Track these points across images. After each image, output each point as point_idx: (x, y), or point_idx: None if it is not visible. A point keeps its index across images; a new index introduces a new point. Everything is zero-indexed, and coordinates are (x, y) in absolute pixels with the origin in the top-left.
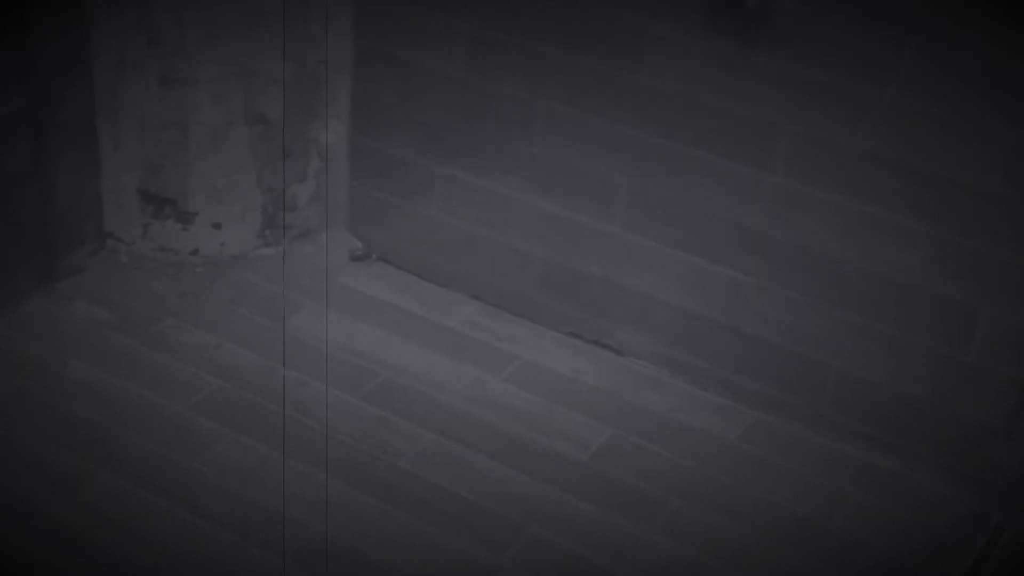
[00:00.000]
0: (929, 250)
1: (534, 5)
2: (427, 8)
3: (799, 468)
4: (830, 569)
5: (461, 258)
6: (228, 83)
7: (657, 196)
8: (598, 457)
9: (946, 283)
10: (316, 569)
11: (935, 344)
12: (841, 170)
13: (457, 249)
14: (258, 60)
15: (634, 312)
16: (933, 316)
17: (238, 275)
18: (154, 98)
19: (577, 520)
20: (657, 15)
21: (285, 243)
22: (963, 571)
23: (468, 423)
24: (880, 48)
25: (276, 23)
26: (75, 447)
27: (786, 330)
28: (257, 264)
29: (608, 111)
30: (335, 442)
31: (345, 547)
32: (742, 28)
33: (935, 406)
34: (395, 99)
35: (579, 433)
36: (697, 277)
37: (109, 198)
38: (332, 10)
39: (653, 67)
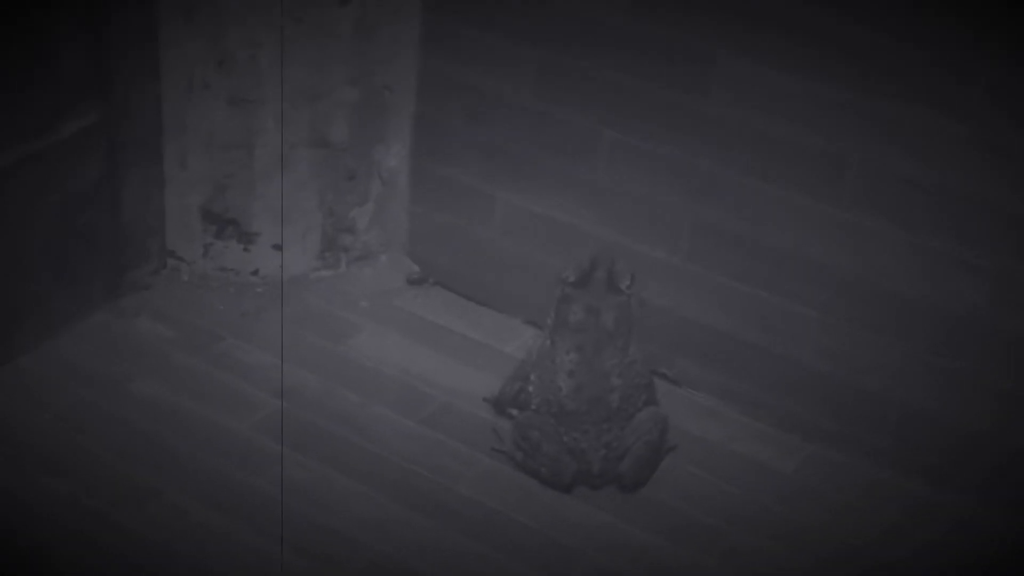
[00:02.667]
0: (995, 284)
1: (601, 33)
2: (495, 34)
3: (857, 501)
4: None
5: (519, 284)
6: (294, 105)
7: (721, 226)
8: (654, 485)
9: (1012, 317)
10: None
11: (1000, 378)
12: (908, 203)
13: (515, 275)
14: (324, 83)
15: (693, 342)
16: (999, 351)
17: (297, 296)
18: (221, 118)
19: (634, 547)
20: (726, 44)
21: (342, 266)
22: None
23: None
24: (952, 82)
25: (344, 45)
26: (138, 461)
27: (848, 363)
28: (316, 286)
29: (674, 140)
30: (392, 464)
31: (404, 568)
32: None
33: (1000, 442)
34: (458, 123)
35: None
36: (758, 309)
37: (173, 217)
38: (399, 34)
39: (720, 96)
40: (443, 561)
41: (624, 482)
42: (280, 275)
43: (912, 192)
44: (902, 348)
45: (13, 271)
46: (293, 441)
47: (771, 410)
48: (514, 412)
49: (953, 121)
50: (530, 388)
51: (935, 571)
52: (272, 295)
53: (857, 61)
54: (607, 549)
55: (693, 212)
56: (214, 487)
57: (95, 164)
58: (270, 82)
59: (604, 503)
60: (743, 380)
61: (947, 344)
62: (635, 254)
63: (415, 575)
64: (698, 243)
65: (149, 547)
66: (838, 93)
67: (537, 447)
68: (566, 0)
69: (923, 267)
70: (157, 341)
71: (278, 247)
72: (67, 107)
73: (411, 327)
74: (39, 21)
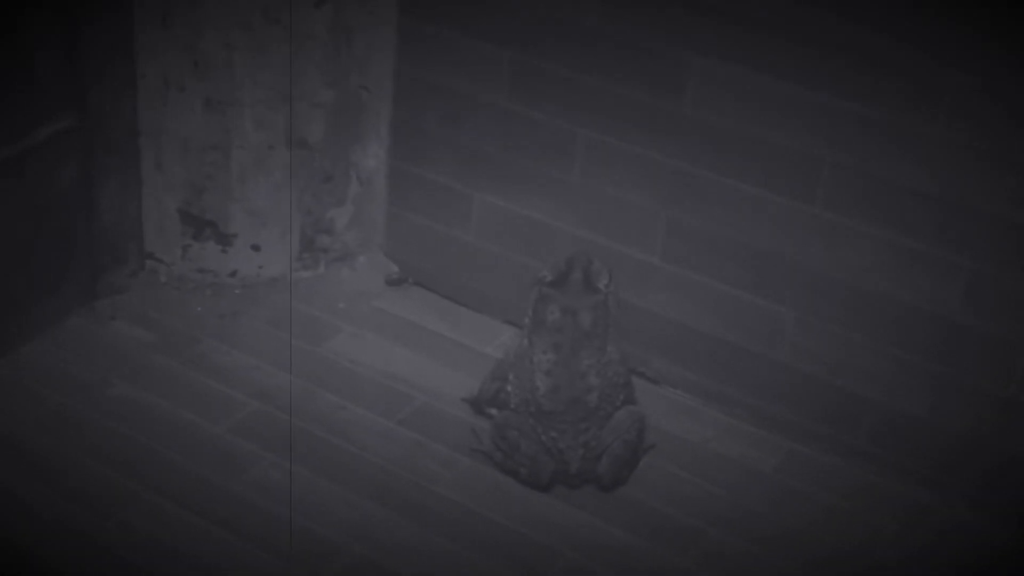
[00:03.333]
0: (969, 284)
1: (576, 35)
2: (471, 36)
3: (835, 500)
4: None
5: (497, 284)
6: (271, 106)
7: (696, 226)
8: (633, 484)
9: (986, 317)
10: None
11: (974, 378)
12: (882, 203)
13: (493, 275)
14: (300, 85)
15: (671, 341)
16: (972, 350)
17: (276, 297)
18: (198, 121)
19: (613, 547)
20: (700, 46)
21: (321, 267)
22: None
23: None
24: (925, 82)
25: (320, 47)
26: (116, 465)
27: (823, 362)
28: (295, 287)
29: (649, 141)
30: (371, 465)
31: (382, 570)
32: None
33: (973, 441)
34: (435, 124)
35: None
36: (735, 308)
37: (150, 219)
38: (376, 36)
39: (694, 97)
40: (422, 562)
41: (602, 482)
42: (258, 276)
43: (887, 192)
44: (877, 347)
45: None
46: (271, 443)
47: (749, 409)
48: (493, 412)
49: (926, 122)
50: (508, 388)
51: (911, 566)
52: (250, 297)
53: (831, 62)
54: (586, 548)
55: (668, 212)
56: (192, 489)
57: (71, 167)
58: (246, 84)
59: (583, 502)
60: (721, 379)
61: (922, 344)
62: (611, 254)
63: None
64: (674, 243)
65: (127, 550)
66: (813, 94)
67: (515, 447)
68: (541, 3)
69: (899, 267)
70: (135, 344)
71: (256, 248)
72: (43, 111)
73: (390, 328)
74: (14, 25)
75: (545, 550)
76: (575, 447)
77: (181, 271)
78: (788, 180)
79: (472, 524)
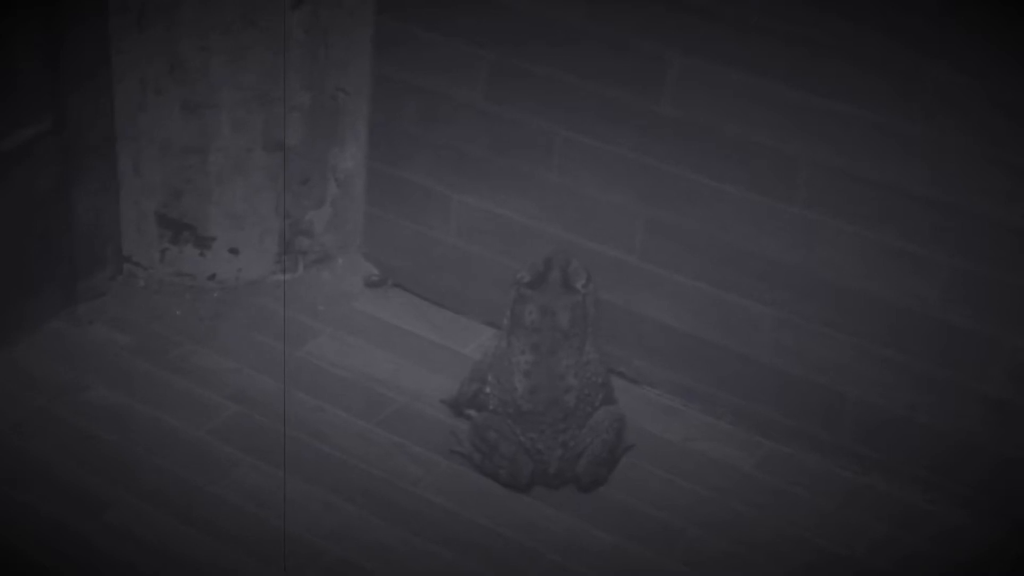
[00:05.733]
0: (950, 281)
1: (554, 34)
2: (448, 36)
3: (817, 498)
4: None
5: (476, 284)
6: (249, 109)
7: (675, 225)
8: (614, 485)
9: (967, 314)
10: None
11: (955, 375)
12: (862, 201)
13: (473, 276)
14: (278, 87)
15: (650, 341)
16: (954, 347)
17: (255, 300)
18: (175, 124)
19: (593, 548)
20: (679, 44)
21: (300, 269)
22: None
23: None
24: (903, 79)
25: (297, 49)
26: (95, 469)
27: (804, 360)
28: (274, 290)
29: (628, 140)
30: (351, 468)
31: (362, 571)
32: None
33: (954, 438)
34: (413, 125)
35: None
36: (715, 306)
37: (128, 222)
38: (352, 37)
39: (673, 96)
40: (401, 564)
41: (581, 482)
42: (237, 279)
43: (864, 190)
44: (857, 345)
45: None
46: (250, 445)
47: (730, 408)
48: (472, 413)
49: (903, 120)
50: (487, 389)
51: (895, 564)
52: (229, 300)
53: (811, 60)
54: (566, 550)
55: (648, 211)
56: (171, 493)
57: (48, 171)
58: (223, 87)
59: (563, 503)
60: (701, 378)
61: (904, 342)
62: (590, 253)
63: None
64: (653, 242)
65: (106, 554)
66: (792, 92)
67: (494, 448)
68: (519, 3)
69: (877, 264)
70: (114, 347)
71: (235, 251)
72: (20, 115)
73: (369, 330)
74: None
75: (525, 551)
76: (554, 447)
77: (160, 275)
78: (768, 179)
79: (452, 526)
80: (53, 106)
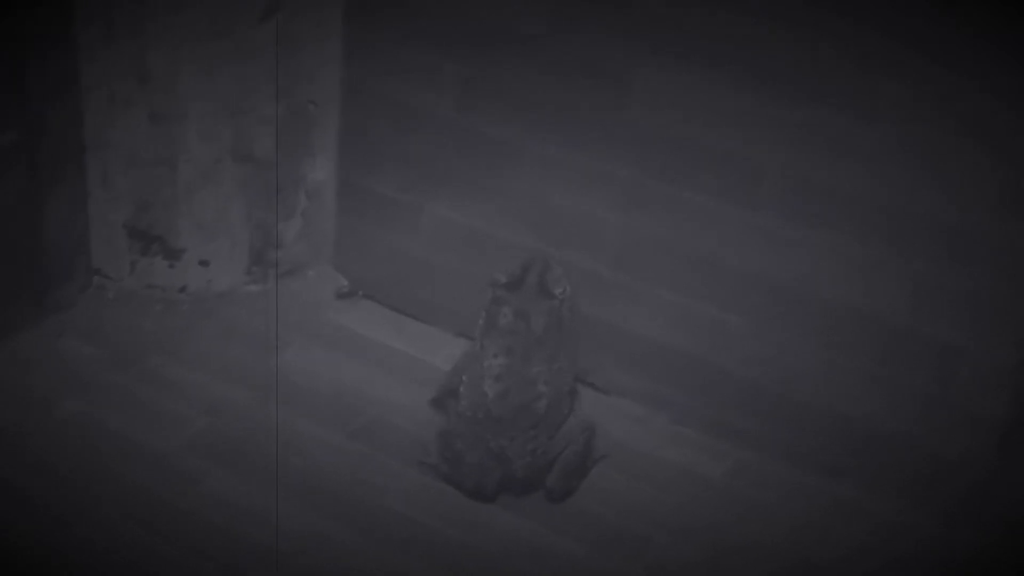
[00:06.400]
0: (916, 289)
1: (524, 44)
2: (417, 47)
3: (786, 507)
4: None
5: (448, 295)
6: (218, 120)
7: (643, 234)
8: (582, 493)
9: (931, 322)
10: None
11: (920, 383)
12: (827, 209)
13: (444, 286)
14: (247, 98)
15: (620, 350)
16: (918, 355)
17: (225, 311)
18: (144, 135)
19: (561, 556)
20: (645, 54)
21: (270, 280)
22: None
23: None
24: (867, 89)
25: (266, 61)
26: (66, 482)
27: (771, 368)
28: (244, 301)
29: (596, 149)
30: (322, 479)
31: None
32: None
33: (922, 445)
34: (384, 136)
35: None
36: (683, 315)
37: (97, 234)
38: (322, 48)
39: (640, 106)
40: (370, 574)
41: (552, 494)
42: (208, 290)
43: (831, 198)
44: (827, 353)
45: None
46: (222, 457)
47: (699, 417)
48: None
49: (869, 128)
50: (461, 389)
51: (862, 571)
52: (199, 311)
53: (775, 70)
54: (535, 559)
55: (616, 220)
56: (142, 506)
57: (16, 182)
58: (192, 98)
59: (532, 512)
60: (671, 387)
61: (871, 349)
62: (561, 262)
63: None
64: (623, 251)
65: (79, 566)
66: (757, 101)
67: (460, 457)
68: (487, 13)
69: (845, 273)
70: (84, 360)
71: (204, 263)
72: None
73: (340, 341)
74: None
75: (494, 561)
76: (523, 454)
77: (130, 286)
78: (736, 187)
79: (421, 536)
80: (21, 117)
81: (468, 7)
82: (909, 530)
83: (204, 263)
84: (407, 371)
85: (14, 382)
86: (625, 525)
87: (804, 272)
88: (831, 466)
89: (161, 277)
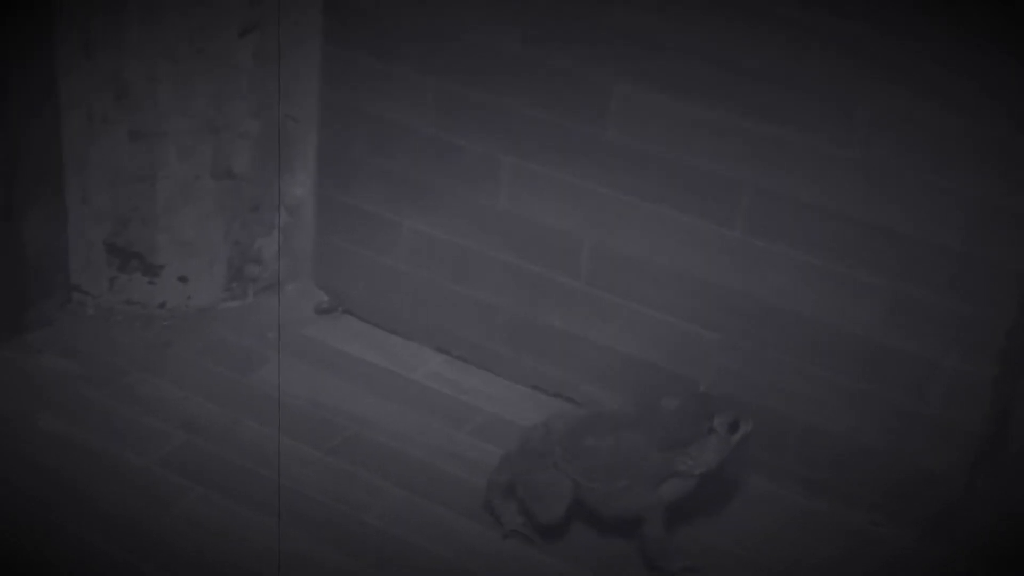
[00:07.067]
0: (889, 304)
1: (501, 61)
2: (395, 64)
3: (763, 521)
4: None
5: (426, 311)
6: (196, 137)
7: (620, 251)
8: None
9: (905, 337)
10: None
11: (896, 397)
12: (803, 226)
13: (422, 302)
14: (226, 114)
15: (597, 365)
16: (894, 370)
17: (204, 328)
18: (123, 152)
19: (544, 573)
20: (622, 73)
21: (250, 296)
22: None
23: (434, 476)
24: (843, 106)
25: (245, 77)
26: (42, 499)
27: (749, 384)
28: (223, 317)
29: (573, 167)
30: (301, 496)
31: None
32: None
33: (897, 460)
34: (363, 152)
35: None
36: (659, 331)
37: (76, 251)
38: (301, 64)
39: (617, 123)
40: None
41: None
42: (187, 307)
43: (806, 215)
44: (801, 369)
45: None
46: (199, 475)
47: None
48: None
49: (842, 146)
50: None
51: None
52: (179, 328)
53: (749, 87)
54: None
55: (593, 236)
56: (119, 522)
57: None
58: (171, 115)
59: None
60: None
61: (847, 365)
62: (537, 278)
63: None
64: (598, 267)
65: None
66: (732, 118)
67: (533, 488)
68: (465, 31)
69: (820, 289)
70: (62, 376)
71: (184, 279)
72: None
73: (319, 356)
74: None
75: None
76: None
77: (109, 303)
78: (710, 204)
79: (402, 554)
80: (0, 135)
81: (447, 24)
82: (882, 543)
83: (183, 279)
84: (387, 386)
85: None
86: (606, 540)
87: (781, 288)
88: (807, 480)
89: (140, 293)
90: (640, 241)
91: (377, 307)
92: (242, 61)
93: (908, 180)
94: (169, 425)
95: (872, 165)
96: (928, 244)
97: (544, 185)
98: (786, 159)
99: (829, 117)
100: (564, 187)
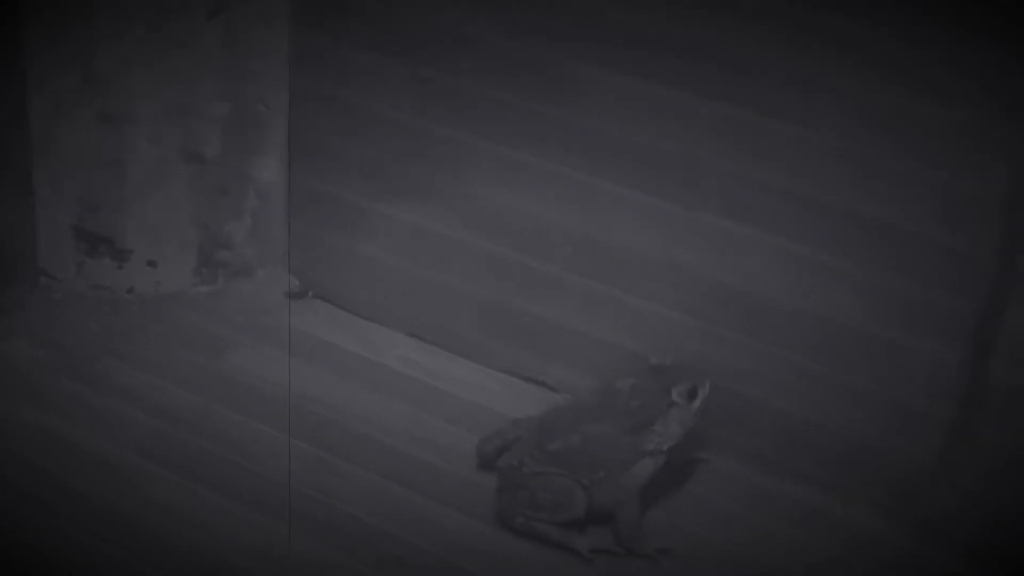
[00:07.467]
0: (858, 289)
1: (472, 46)
2: (365, 48)
3: (734, 506)
4: None
5: (398, 296)
6: (165, 121)
7: (594, 236)
8: None
9: (876, 322)
10: None
11: (866, 382)
12: (771, 210)
13: (394, 287)
14: (195, 98)
15: (569, 350)
16: (864, 354)
17: (174, 313)
18: (91, 136)
19: (511, 559)
20: (592, 57)
21: (219, 281)
22: None
23: (404, 461)
24: (818, 91)
25: (214, 61)
26: (9, 485)
27: (722, 369)
28: (193, 302)
29: (546, 152)
30: (272, 483)
31: None
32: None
33: (867, 444)
34: (333, 136)
35: None
36: (632, 315)
37: (44, 236)
38: (270, 48)
39: (588, 108)
40: None
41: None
42: (156, 292)
43: (775, 199)
44: (775, 354)
45: None
46: (168, 462)
47: None
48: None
49: (810, 130)
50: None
51: (810, 570)
52: (147, 312)
53: (720, 71)
54: (490, 561)
55: (566, 221)
56: (87, 509)
57: None
58: (139, 98)
59: (484, 515)
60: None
61: (818, 349)
62: (512, 264)
63: None
64: (572, 252)
65: (22, 572)
66: (703, 102)
67: (549, 490)
68: (436, 15)
69: (791, 272)
70: (30, 363)
71: (153, 264)
72: None
73: (290, 342)
74: None
75: (446, 564)
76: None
77: (77, 288)
78: (679, 187)
79: (376, 541)
80: None
81: (417, 9)
82: (855, 527)
83: (152, 264)
84: (358, 372)
85: None
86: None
87: (755, 273)
88: (781, 466)
89: (108, 278)
90: (614, 226)
91: (348, 292)
92: (210, 44)
93: (877, 164)
94: (137, 411)
95: (841, 149)
96: (898, 229)
97: (517, 170)
98: (756, 143)
99: (802, 102)
100: (537, 172)
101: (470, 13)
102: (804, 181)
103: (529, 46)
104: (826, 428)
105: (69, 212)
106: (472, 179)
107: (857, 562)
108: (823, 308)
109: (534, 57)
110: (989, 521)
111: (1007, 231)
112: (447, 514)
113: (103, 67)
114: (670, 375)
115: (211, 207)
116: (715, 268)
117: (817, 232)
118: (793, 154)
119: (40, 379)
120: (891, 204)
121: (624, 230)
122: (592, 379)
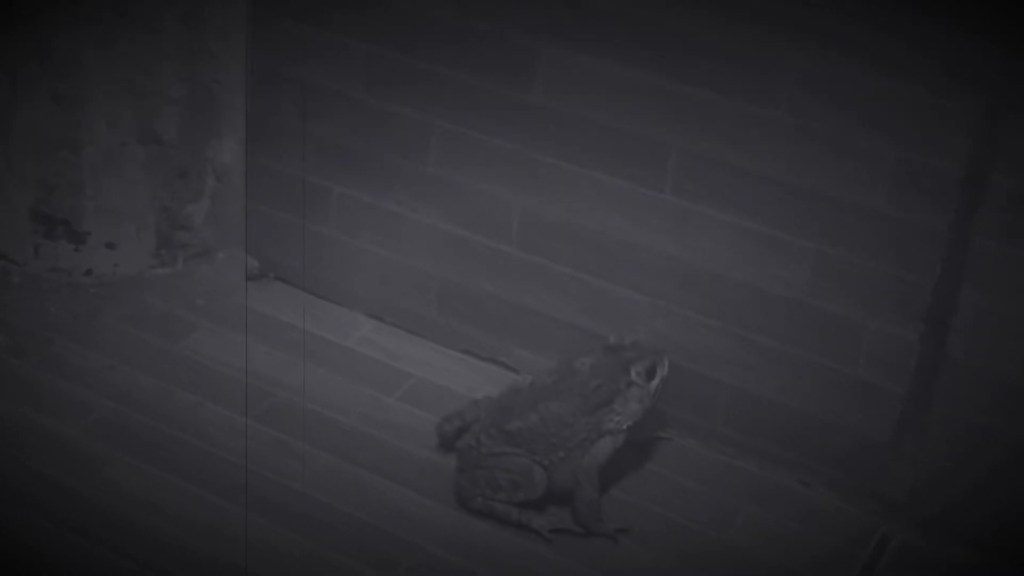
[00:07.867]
0: (815, 266)
1: (430, 26)
2: (323, 28)
3: (693, 483)
4: None
5: (357, 277)
6: (122, 102)
7: (550, 215)
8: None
9: (832, 299)
10: None
11: (822, 359)
12: (729, 188)
13: (353, 268)
14: (153, 79)
15: (529, 330)
16: (820, 331)
17: (133, 295)
18: (47, 117)
19: (470, 539)
20: (549, 35)
21: (179, 263)
22: None
23: (363, 442)
24: (769, 69)
25: (170, 41)
26: None
27: (679, 347)
28: (152, 284)
29: (502, 131)
30: (228, 464)
31: (238, 570)
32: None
33: (824, 420)
34: (292, 118)
35: None
36: (590, 295)
37: (1, 218)
38: (227, 27)
39: (545, 87)
40: (279, 561)
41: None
42: (114, 274)
43: (733, 178)
44: (729, 331)
45: None
46: (127, 445)
47: None
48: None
49: (767, 109)
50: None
51: (768, 547)
52: (106, 295)
53: (676, 50)
54: (446, 543)
55: (523, 201)
56: (46, 492)
57: None
58: (96, 79)
59: (443, 496)
60: None
61: (772, 326)
62: (469, 244)
63: (250, 575)
64: (528, 232)
65: None
66: (659, 80)
67: (508, 471)
68: None
69: (746, 251)
70: None
71: (111, 246)
72: None
73: (250, 324)
74: None
75: (404, 544)
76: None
77: (34, 270)
78: (638, 167)
79: (330, 521)
80: None
81: None
82: (808, 502)
83: (110, 246)
84: (318, 353)
85: None
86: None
87: (708, 251)
88: (738, 443)
89: (66, 261)
90: (571, 205)
91: (308, 273)
92: (168, 24)
93: (834, 142)
94: (96, 394)
95: (798, 127)
96: (853, 206)
97: (475, 150)
98: (714, 122)
99: (755, 79)
100: (495, 152)
101: None
102: (758, 159)
103: (487, 25)
104: (786, 406)
105: (26, 194)
106: (431, 160)
107: (816, 536)
108: (780, 286)
109: (491, 36)
110: (942, 496)
111: (962, 207)
112: (406, 495)
113: (59, 48)
114: (628, 354)
115: (170, 189)
116: (673, 247)
117: (771, 208)
118: (747, 131)
119: None
120: (847, 181)
121: (581, 209)
122: (551, 359)
